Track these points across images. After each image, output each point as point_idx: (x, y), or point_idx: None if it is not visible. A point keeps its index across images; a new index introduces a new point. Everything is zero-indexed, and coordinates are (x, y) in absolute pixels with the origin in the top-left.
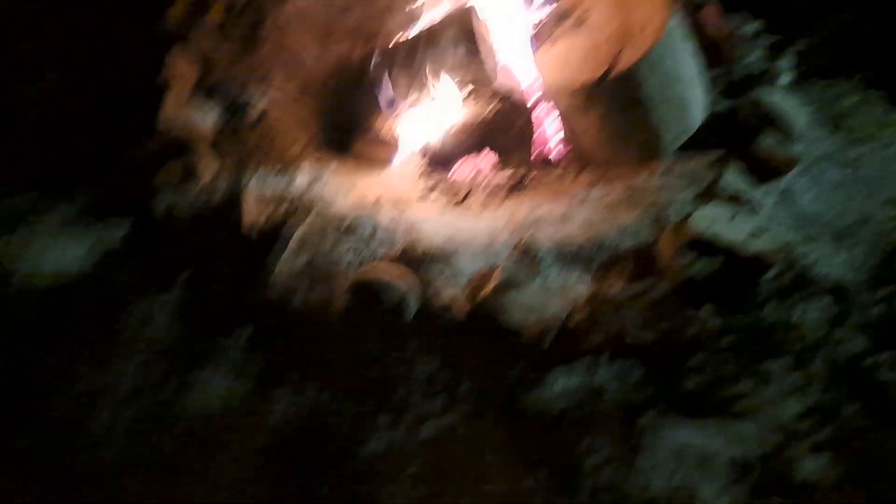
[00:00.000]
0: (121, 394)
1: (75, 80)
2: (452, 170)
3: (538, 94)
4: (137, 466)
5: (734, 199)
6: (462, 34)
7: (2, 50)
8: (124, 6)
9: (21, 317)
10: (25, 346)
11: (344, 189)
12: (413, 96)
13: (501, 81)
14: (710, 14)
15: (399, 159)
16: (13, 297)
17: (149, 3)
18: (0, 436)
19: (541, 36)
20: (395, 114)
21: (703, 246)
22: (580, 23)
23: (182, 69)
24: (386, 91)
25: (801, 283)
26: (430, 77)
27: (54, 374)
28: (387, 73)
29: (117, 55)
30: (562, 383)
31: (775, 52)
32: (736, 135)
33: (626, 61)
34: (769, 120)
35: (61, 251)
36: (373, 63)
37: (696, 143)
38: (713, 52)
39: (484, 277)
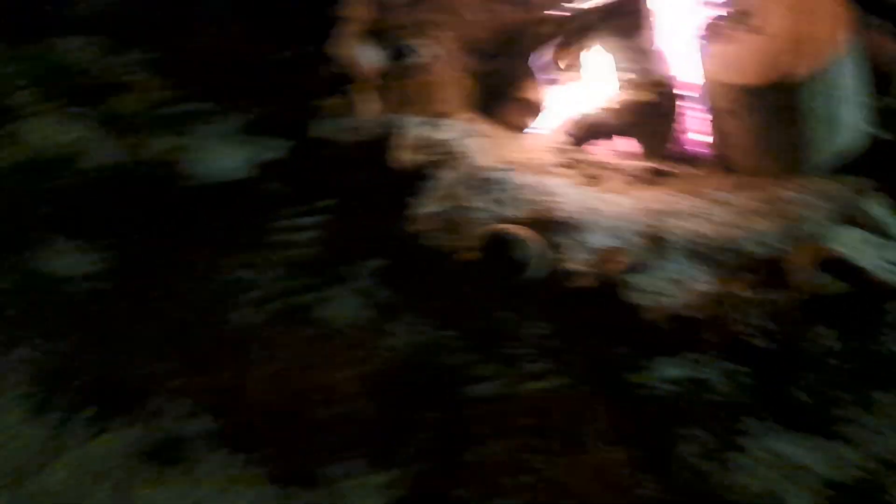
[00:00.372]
0: (259, 293)
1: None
2: (592, 148)
3: (696, 89)
4: (265, 361)
5: (874, 227)
6: (632, 16)
7: None
8: None
9: (177, 209)
10: (179, 236)
11: (488, 147)
12: (568, 69)
13: (659, 69)
14: (883, 41)
15: (543, 128)
16: (173, 191)
17: None
18: (138, 316)
19: (714, 31)
20: (547, 83)
21: (835, 266)
22: (756, 26)
23: (357, 9)
24: (542, 59)
25: None
26: (589, 52)
27: (201, 267)
28: (547, 42)
29: None
30: (670, 370)
31: None
32: (887, 166)
33: (796, 72)
34: None
35: (223, 156)
36: (534, 30)
37: (846, 166)
38: (882, 80)
39: (611, 254)
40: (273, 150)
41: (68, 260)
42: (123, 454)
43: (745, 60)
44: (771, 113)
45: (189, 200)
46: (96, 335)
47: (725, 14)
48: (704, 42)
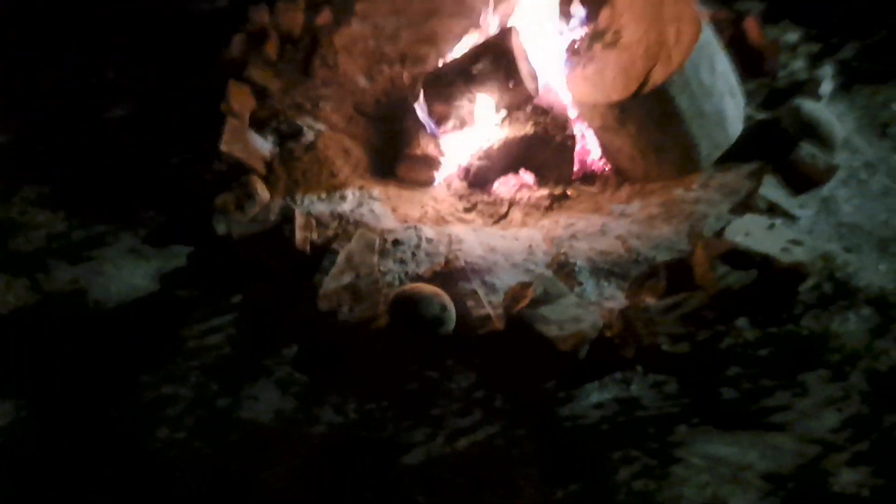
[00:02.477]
0: (181, 404)
1: (142, 114)
2: (492, 188)
3: (574, 111)
4: (196, 470)
5: (771, 209)
6: (502, 56)
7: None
8: (187, 42)
9: (92, 333)
10: (96, 360)
11: (389, 209)
12: (454, 118)
13: (542, 99)
14: (751, 24)
15: (441, 179)
16: (86, 316)
17: (209, 40)
18: (69, 443)
19: (574, 55)
20: (437, 135)
21: (738, 258)
22: (614, 41)
23: (240, 100)
24: (428, 114)
25: (840, 294)
26: (469, 99)
27: (122, 386)
28: (429, 97)
29: (180, 89)
30: (596, 395)
31: (818, 60)
32: (775, 145)
33: (658, 77)
34: (809, 129)
35: (129, 274)
36: (417, 88)
37: (735, 154)
38: (755, 62)
39: (521, 290)
40: (177, 256)
41: None
42: None
43: (605, 76)
44: (644, 121)
45: (98, 325)
46: (27, 485)
47: (580, 36)
48: (567, 66)
